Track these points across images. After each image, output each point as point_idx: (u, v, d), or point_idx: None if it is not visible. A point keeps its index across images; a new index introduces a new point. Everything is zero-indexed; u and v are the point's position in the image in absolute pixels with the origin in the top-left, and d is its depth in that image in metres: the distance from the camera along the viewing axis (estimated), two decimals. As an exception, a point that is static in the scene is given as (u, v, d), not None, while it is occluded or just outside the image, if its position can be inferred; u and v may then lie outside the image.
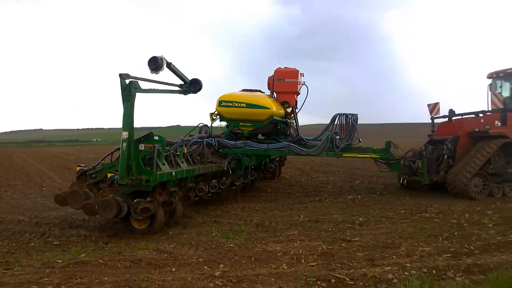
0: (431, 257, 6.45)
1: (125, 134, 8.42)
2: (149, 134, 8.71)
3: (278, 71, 13.60)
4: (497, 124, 12.81)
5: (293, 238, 7.80)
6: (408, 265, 6.08)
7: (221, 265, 6.34)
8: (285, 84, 13.52)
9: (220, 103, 12.88)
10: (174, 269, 6.21)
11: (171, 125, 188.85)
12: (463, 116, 13.98)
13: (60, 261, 6.59)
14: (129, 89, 8.40)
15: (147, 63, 8.59)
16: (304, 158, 21.35)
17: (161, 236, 8.35)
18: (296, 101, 13.82)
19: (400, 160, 13.09)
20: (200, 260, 6.62)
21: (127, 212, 8.38)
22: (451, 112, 14.28)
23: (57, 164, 27.00)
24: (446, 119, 14.48)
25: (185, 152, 10.09)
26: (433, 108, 14.31)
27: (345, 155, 12.76)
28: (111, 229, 8.92)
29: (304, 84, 13.52)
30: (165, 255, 6.93)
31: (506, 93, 14.22)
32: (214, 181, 11.05)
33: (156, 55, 8.63)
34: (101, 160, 9.80)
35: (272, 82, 13.53)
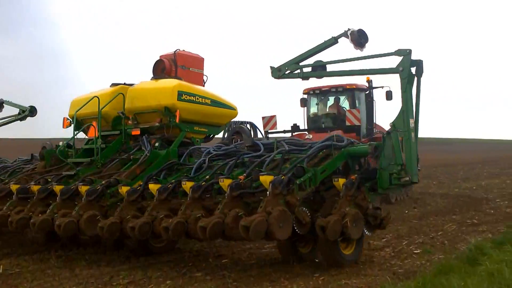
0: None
1: (412, 122, 7.09)
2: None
3: (181, 55, 10.14)
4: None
5: None
6: None
7: None
8: (190, 74, 10.19)
9: (180, 95, 8.77)
10: None
11: None
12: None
13: None
14: (410, 68, 7.07)
15: (356, 34, 7.50)
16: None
17: None
18: None
19: None
20: None
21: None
22: (295, 127, 14.27)
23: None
24: (289, 134, 13.85)
25: None
26: (269, 121, 13.40)
27: None
28: None
29: (206, 77, 10.58)
30: None
31: (314, 109, 14.62)
32: None
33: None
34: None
35: (174, 69, 9.93)
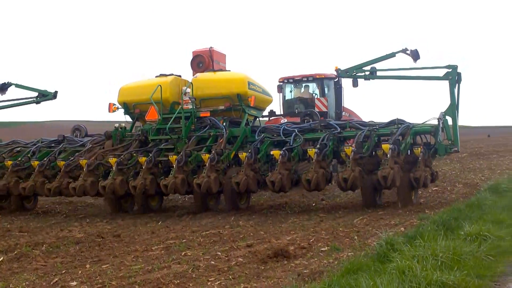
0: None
1: (456, 112, 10.66)
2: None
3: (214, 52, 12.46)
4: None
5: None
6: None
7: None
8: (220, 68, 12.32)
9: (249, 84, 11.31)
10: None
11: None
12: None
13: None
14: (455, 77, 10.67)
15: (415, 51, 10.87)
16: None
17: None
18: None
19: None
20: None
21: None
22: (272, 112, 15.57)
23: None
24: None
25: None
26: None
27: None
28: None
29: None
30: None
31: (288, 96, 16.57)
32: None
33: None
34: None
35: (211, 63, 12.20)
